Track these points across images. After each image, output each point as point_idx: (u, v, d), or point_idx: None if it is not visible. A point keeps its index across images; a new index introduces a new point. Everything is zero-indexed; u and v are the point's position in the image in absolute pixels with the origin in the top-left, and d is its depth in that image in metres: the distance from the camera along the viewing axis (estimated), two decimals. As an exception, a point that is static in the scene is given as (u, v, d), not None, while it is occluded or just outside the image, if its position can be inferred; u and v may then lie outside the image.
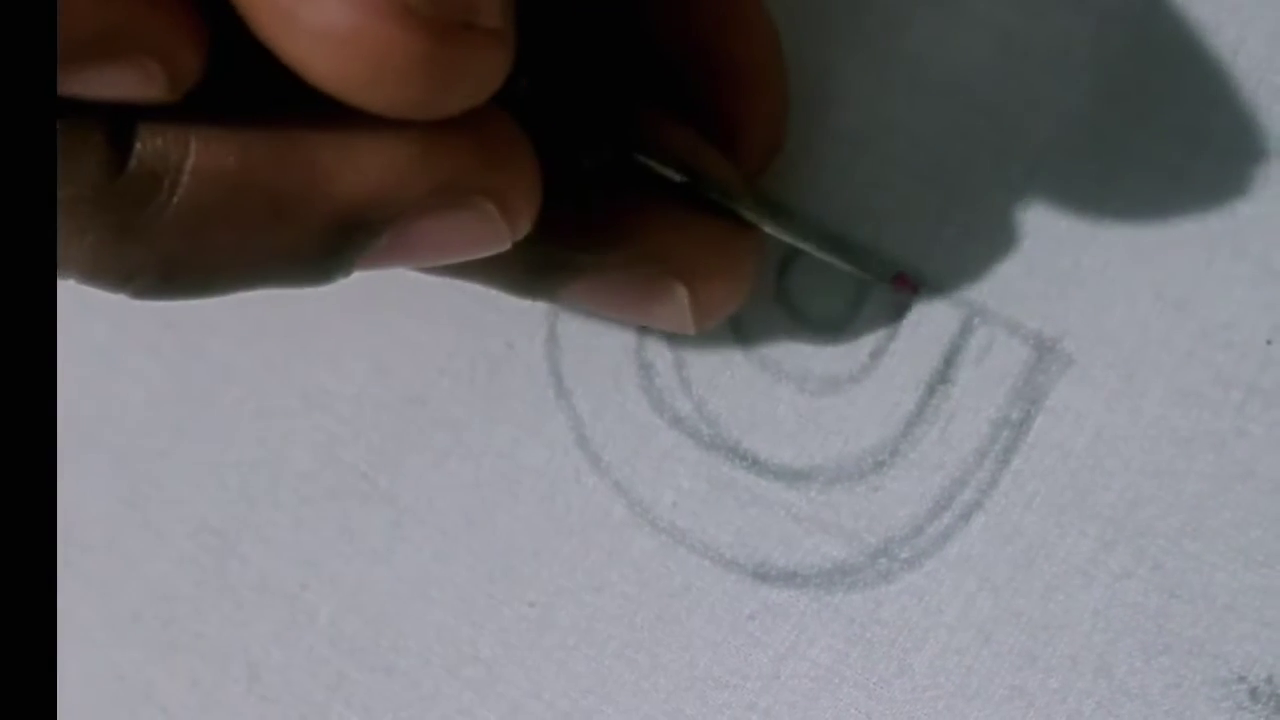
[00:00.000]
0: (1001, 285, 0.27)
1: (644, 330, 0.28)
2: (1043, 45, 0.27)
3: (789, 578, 0.27)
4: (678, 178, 0.25)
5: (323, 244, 0.22)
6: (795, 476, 0.27)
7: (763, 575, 0.27)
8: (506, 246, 0.23)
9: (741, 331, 0.28)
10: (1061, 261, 0.26)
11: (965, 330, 0.27)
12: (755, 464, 0.27)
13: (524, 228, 0.23)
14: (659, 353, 0.28)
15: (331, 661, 0.29)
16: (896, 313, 0.27)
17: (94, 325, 0.33)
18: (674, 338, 0.28)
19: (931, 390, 0.27)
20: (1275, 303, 0.25)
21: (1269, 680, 0.24)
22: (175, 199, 0.20)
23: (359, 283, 0.31)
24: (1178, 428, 0.25)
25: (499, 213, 0.22)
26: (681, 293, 0.26)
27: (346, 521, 0.29)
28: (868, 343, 0.27)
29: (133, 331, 0.32)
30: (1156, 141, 0.26)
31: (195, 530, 0.30)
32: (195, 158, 0.20)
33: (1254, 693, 0.24)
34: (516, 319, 0.29)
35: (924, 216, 0.27)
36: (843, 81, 0.28)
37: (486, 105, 0.21)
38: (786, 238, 0.26)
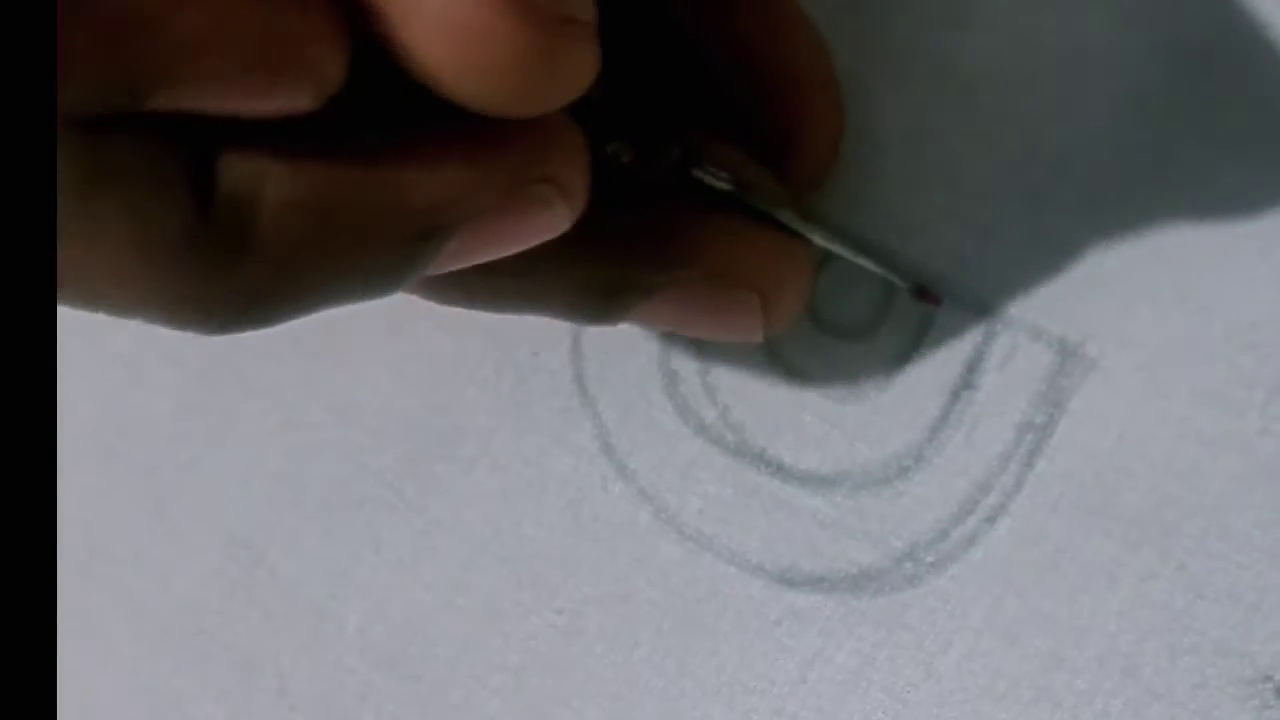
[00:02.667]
0: (1024, 290, 0.27)
1: (669, 338, 0.29)
2: (1067, 51, 0.27)
3: (815, 583, 0.27)
4: (728, 187, 0.25)
5: (402, 255, 0.21)
6: (821, 482, 0.27)
7: (789, 581, 0.27)
8: (566, 228, 0.23)
9: (767, 339, 0.28)
10: (1084, 266, 0.27)
11: (989, 336, 0.27)
12: (781, 470, 0.28)
13: (580, 207, 0.23)
14: (684, 361, 0.29)
15: (360, 671, 0.29)
16: (921, 320, 0.27)
17: (119, 336, 0.33)
18: (700, 346, 0.28)
19: (956, 396, 0.27)
20: (1297, 304, 0.25)
21: (1296, 679, 0.24)
22: (260, 232, 0.20)
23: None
24: (1201, 429, 0.25)
25: (560, 197, 0.23)
26: (756, 303, 0.26)
27: (374, 531, 0.30)
28: (892, 349, 0.27)
29: (158, 343, 0.33)
30: (1179, 145, 0.26)
31: (223, 541, 0.31)
32: (278, 188, 0.20)
33: (1281, 692, 0.24)
34: (541, 328, 0.29)
35: (948, 222, 0.27)
36: (867, 90, 0.28)
37: None
38: (828, 245, 0.27)
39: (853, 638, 0.26)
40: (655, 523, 0.28)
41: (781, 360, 0.28)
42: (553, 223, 0.23)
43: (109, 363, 0.33)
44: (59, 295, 0.20)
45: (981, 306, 0.27)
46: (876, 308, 0.28)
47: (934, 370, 0.27)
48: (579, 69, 0.20)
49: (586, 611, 0.28)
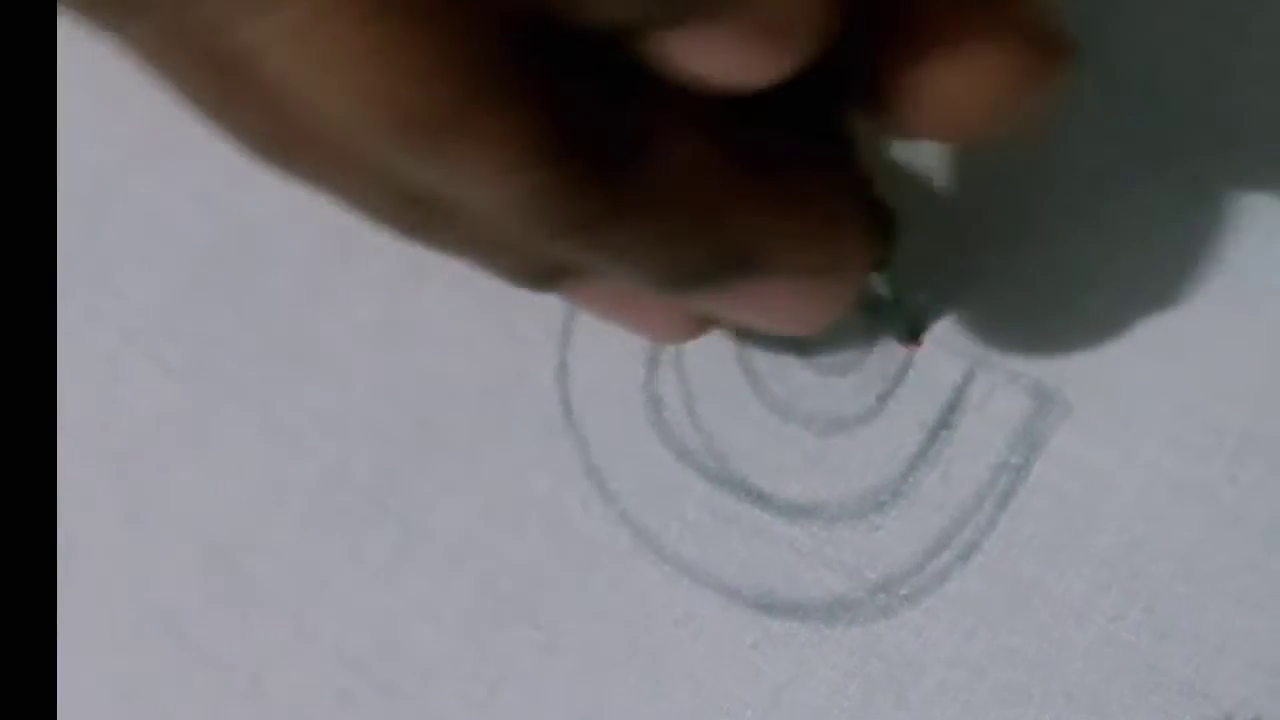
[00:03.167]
0: (1003, 335, 0.28)
1: (654, 362, 0.29)
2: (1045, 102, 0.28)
3: (791, 610, 0.28)
4: None
5: (702, 273, 0.22)
6: (799, 512, 0.28)
7: (766, 606, 0.28)
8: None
9: (751, 371, 0.29)
10: (1061, 313, 0.27)
11: (967, 378, 0.28)
12: (761, 499, 0.28)
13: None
14: (669, 387, 0.29)
15: (336, 679, 0.29)
16: (902, 360, 0.28)
17: (101, 337, 0.33)
18: (684, 371, 0.29)
19: (934, 434, 0.28)
20: (1270, 353, 0.26)
21: (1255, 721, 0.25)
22: (650, 167, 0.20)
23: (371, 307, 0.31)
24: (1172, 475, 0.26)
25: (833, 303, 0.24)
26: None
27: (353, 541, 0.30)
28: (874, 386, 0.28)
29: (140, 344, 0.33)
30: (1156, 195, 0.27)
31: (201, 545, 0.31)
32: (680, 133, 0.20)
33: (1241, 733, 0.25)
34: (528, 347, 0.30)
35: (930, 267, 0.28)
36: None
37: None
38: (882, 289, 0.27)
39: (826, 665, 0.27)
40: (635, 545, 0.29)
41: (765, 391, 0.29)
42: (811, 319, 0.25)
43: (91, 362, 0.33)
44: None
45: (961, 349, 0.28)
46: (860, 345, 0.29)
47: (913, 408, 0.28)
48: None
49: (564, 629, 0.28)
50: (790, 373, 0.29)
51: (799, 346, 0.29)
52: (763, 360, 0.29)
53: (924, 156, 0.29)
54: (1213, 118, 0.27)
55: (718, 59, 0.19)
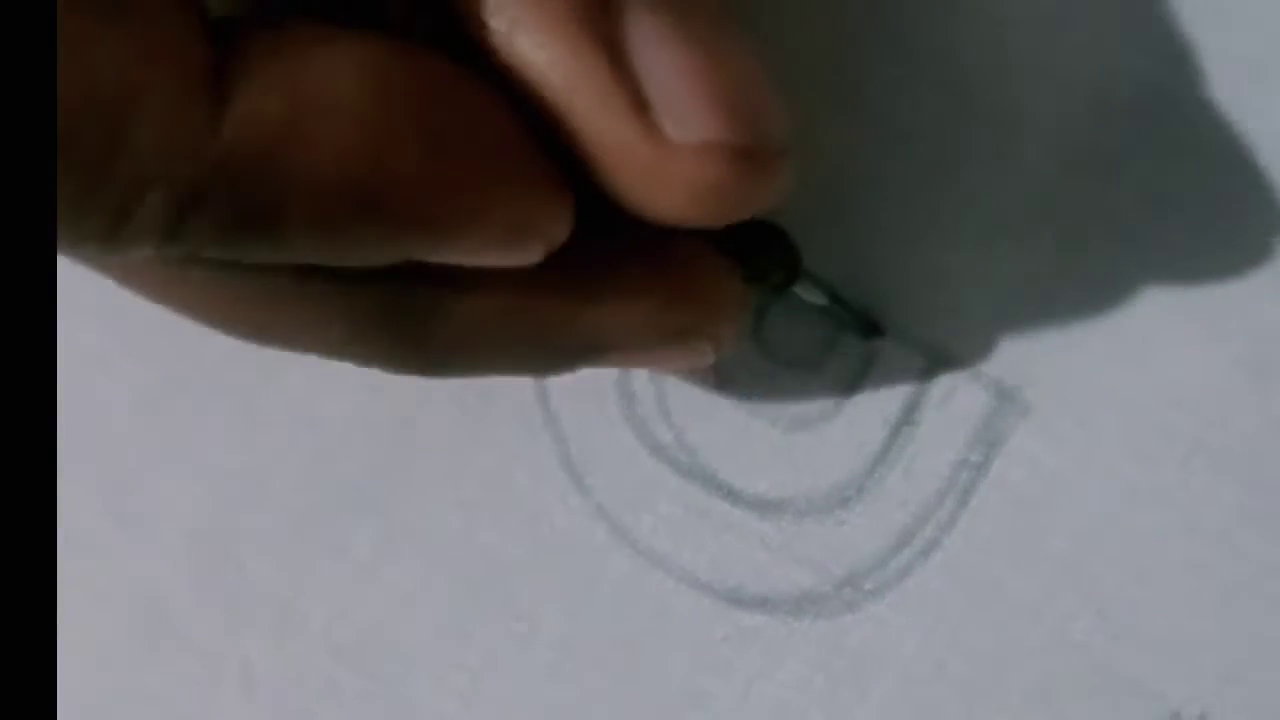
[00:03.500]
0: (965, 334, 0.28)
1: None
2: (1007, 105, 0.29)
3: (760, 603, 0.29)
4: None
5: (563, 365, 0.25)
6: (768, 507, 0.29)
7: (736, 600, 0.29)
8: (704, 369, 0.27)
9: (720, 369, 0.29)
10: (1023, 313, 0.28)
11: (929, 375, 0.28)
12: (731, 494, 0.29)
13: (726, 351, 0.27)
14: (642, 383, 0.30)
15: (324, 668, 0.30)
16: (865, 356, 0.29)
17: (85, 330, 0.34)
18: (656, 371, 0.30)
19: (896, 431, 0.28)
20: (1223, 363, 0.27)
21: (1202, 717, 0.26)
22: (446, 332, 0.23)
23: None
24: (1126, 478, 0.27)
25: (713, 350, 0.26)
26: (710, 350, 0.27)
27: (338, 533, 0.31)
28: (838, 384, 0.29)
29: (125, 337, 0.33)
30: (1120, 202, 0.28)
31: (188, 537, 0.32)
32: (472, 303, 0.23)
33: (1186, 729, 0.26)
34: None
35: (892, 265, 0.29)
36: (816, 132, 0.29)
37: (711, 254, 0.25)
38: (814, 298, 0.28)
39: (794, 658, 0.28)
40: (610, 539, 0.30)
41: (733, 387, 0.29)
42: (696, 364, 0.27)
43: (75, 356, 0.33)
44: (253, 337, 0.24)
45: (923, 346, 0.29)
46: (823, 340, 0.29)
47: (877, 405, 0.29)
48: (778, 190, 0.23)
49: (541, 621, 0.30)
50: (756, 370, 0.29)
51: (762, 341, 0.29)
52: (730, 358, 0.29)
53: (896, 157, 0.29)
54: (1170, 122, 0.28)
55: (475, 260, 0.22)
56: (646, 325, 0.25)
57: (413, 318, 0.23)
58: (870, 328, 0.29)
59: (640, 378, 0.30)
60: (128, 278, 0.23)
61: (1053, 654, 0.27)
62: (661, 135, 0.21)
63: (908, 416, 0.28)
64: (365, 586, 0.31)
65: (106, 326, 0.34)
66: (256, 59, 0.19)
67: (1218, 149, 0.27)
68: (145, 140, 0.18)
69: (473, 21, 0.21)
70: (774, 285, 0.27)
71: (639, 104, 0.21)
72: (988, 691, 0.27)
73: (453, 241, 0.21)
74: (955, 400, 0.28)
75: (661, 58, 0.21)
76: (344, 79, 0.20)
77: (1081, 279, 0.28)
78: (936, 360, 0.28)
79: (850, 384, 0.29)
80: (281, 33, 0.20)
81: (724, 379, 0.30)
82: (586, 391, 0.30)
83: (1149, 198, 0.28)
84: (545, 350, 0.25)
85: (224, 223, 0.19)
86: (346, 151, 0.19)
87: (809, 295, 0.28)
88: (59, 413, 0.32)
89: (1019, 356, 0.28)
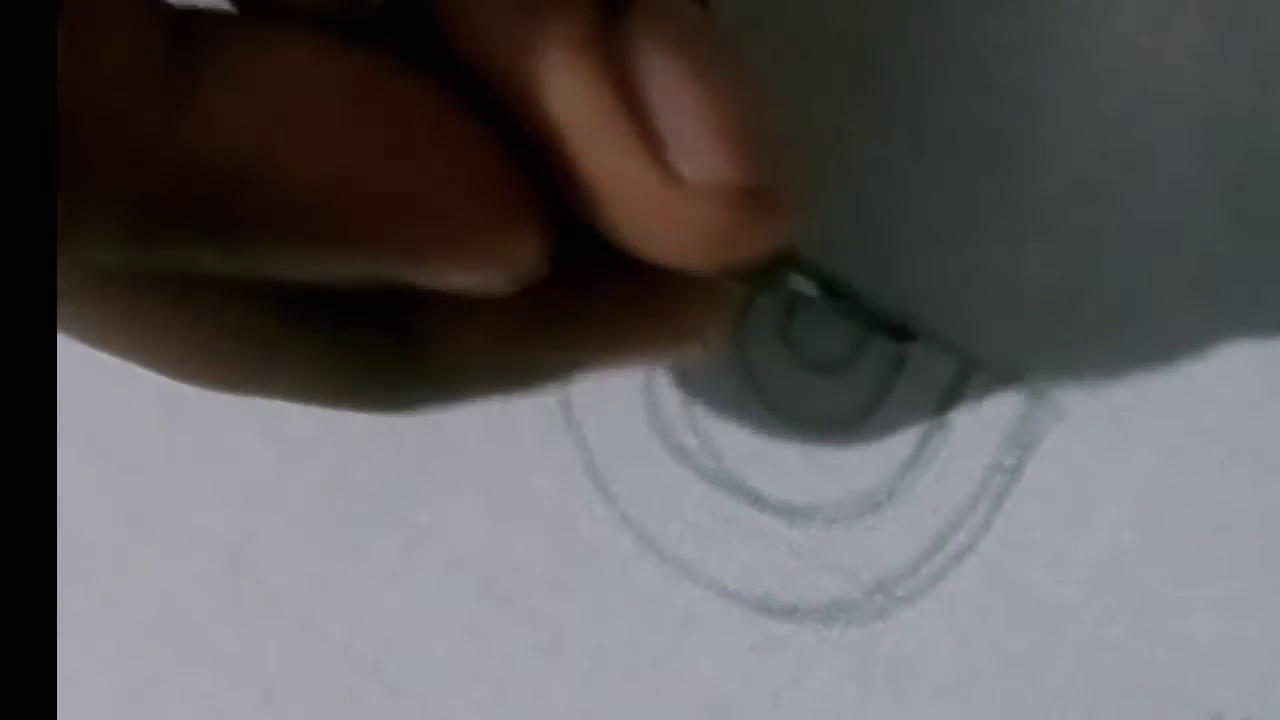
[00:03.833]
0: (997, 336, 0.28)
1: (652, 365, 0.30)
2: (1043, 100, 0.28)
3: (790, 611, 0.28)
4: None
5: (553, 385, 0.25)
6: (796, 514, 0.28)
7: (764, 608, 0.28)
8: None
9: (748, 371, 0.29)
10: (1056, 315, 0.28)
11: (961, 378, 0.28)
12: (759, 500, 0.29)
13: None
14: (666, 388, 0.30)
15: (344, 679, 0.30)
16: (896, 360, 0.28)
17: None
18: (682, 376, 0.29)
19: (928, 435, 0.28)
20: (1261, 361, 0.26)
21: (1243, 722, 0.25)
22: (441, 370, 0.23)
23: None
24: (1163, 480, 0.27)
25: (699, 347, 0.25)
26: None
27: (359, 543, 0.31)
28: (868, 387, 0.29)
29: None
30: (1153, 199, 0.27)
31: (208, 547, 0.31)
32: (469, 335, 0.23)
33: (1229, 734, 0.25)
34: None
35: (924, 266, 0.28)
36: (845, 131, 0.29)
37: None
38: (809, 293, 0.27)
39: (824, 667, 0.28)
40: (636, 547, 0.29)
41: (761, 393, 0.29)
42: (680, 362, 0.27)
43: (95, 366, 0.33)
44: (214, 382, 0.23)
45: (955, 349, 0.28)
46: (853, 344, 0.29)
47: (908, 409, 0.28)
48: (778, 234, 0.22)
49: (567, 630, 0.29)
50: (785, 373, 0.29)
51: (793, 345, 0.29)
52: (758, 360, 0.29)
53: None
54: (1206, 120, 0.27)
55: (446, 284, 0.21)
56: (639, 340, 0.25)
57: (399, 354, 0.23)
58: (901, 331, 0.28)
59: (665, 383, 0.30)
60: (86, 327, 0.22)
61: (1091, 658, 0.26)
62: (677, 175, 0.20)
63: (939, 420, 0.28)
64: (387, 597, 0.30)
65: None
66: (229, 59, 0.19)
67: (1251, 145, 0.27)
68: (106, 140, 0.18)
69: (467, 43, 0.20)
70: (764, 280, 0.27)
71: (653, 143, 0.20)
72: (1024, 698, 0.26)
73: (425, 264, 0.20)
74: (987, 403, 0.28)
75: (674, 93, 0.20)
76: (321, 89, 0.19)
77: (1114, 279, 0.28)
78: (968, 363, 0.28)
79: (881, 388, 0.28)
80: (256, 33, 0.19)
81: (753, 383, 0.29)
82: (610, 398, 0.30)
83: (1182, 195, 0.27)
84: (542, 381, 0.25)
85: (191, 229, 0.18)
86: (320, 164, 0.19)
87: (837, 299, 0.28)
88: (81, 424, 0.32)
89: (1052, 358, 0.28)
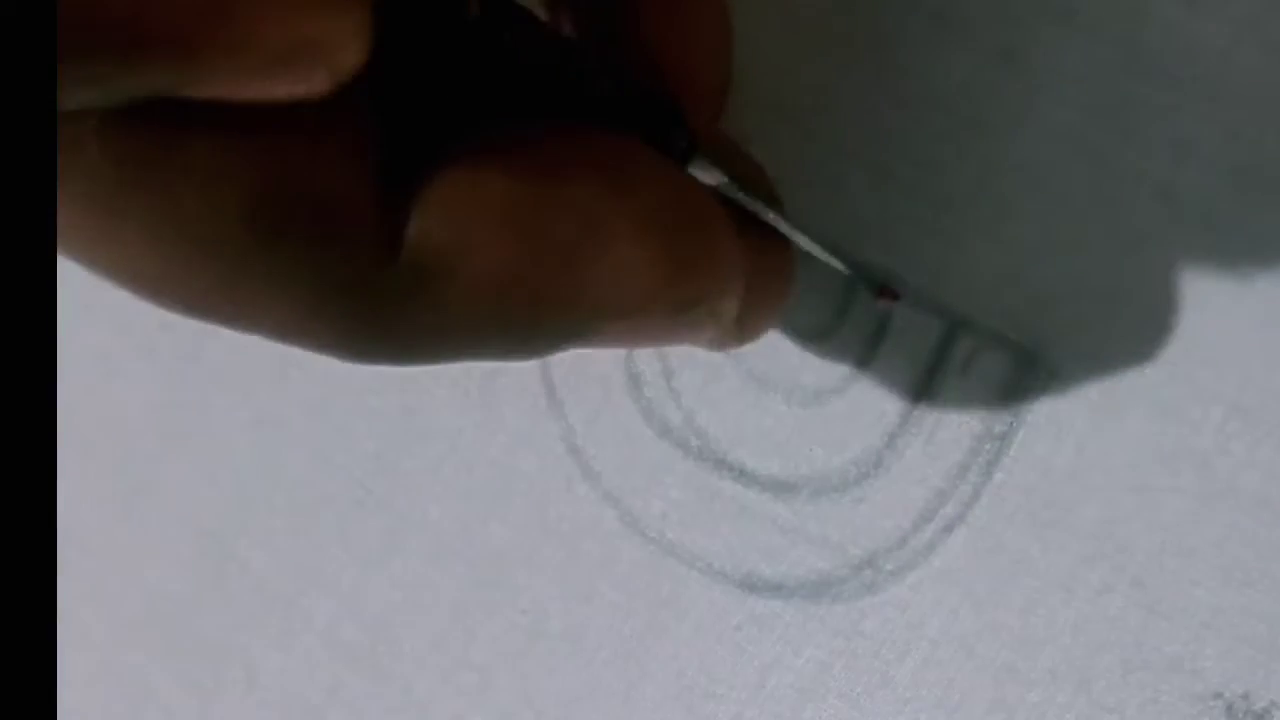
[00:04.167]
0: (985, 297, 0.27)
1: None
2: (1034, 59, 0.27)
3: (775, 589, 0.27)
4: (723, 180, 0.24)
5: (561, 338, 0.21)
6: (781, 488, 0.27)
7: (750, 586, 0.27)
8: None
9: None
10: (1045, 275, 0.27)
11: (948, 342, 0.27)
12: (743, 475, 0.28)
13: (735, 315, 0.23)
14: (648, 363, 0.29)
15: (328, 665, 0.29)
16: (880, 324, 0.27)
17: (92, 329, 0.33)
18: (663, 350, 0.28)
19: (915, 401, 0.27)
20: (1258, 320, 0.25)
21: (1245, 697, 0.24)
22: (442, 302, 0.19)
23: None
24: (1159, 444, 0.25)
25: (716, 323, 0.23)
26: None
27: (342, 528, 0.30)
28: (852, 354, 0.27)
29: (131, 336, 0.33)
30: (1143, 156, 0.26)
31: (193, 534, 0.31)
32: (473, 259, 0.19)
33: (1230, 709, 0.24)
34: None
35: (909, 227, 0.27)
36: (833, 93, 0.28)
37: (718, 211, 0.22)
38: (810, 248, 0.26)
39: (811, 644, 0.27)
40: (620, 525, 0.28)
41: (743, 364, 0.28)
42: (696, 342, 0.23)
43: (82, 355, 0.33)
44: (207, 311, 0.20)
45: (941, 312, 0.27)
46: (835, 308, 0.28)
47: (894, 375, 0.27)
48: None
49: (550, 612, 0.28)
50: (767, 342, 0.28)
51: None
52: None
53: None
54: (1207, 77, 0.26)
55: (245, 91, 0.18)
56: (647, 297, 0.22)
57: (391, 293, 0.19)
58: (882, 286, 0.27)
59: (647, 359, 0.29)
60: (73, 239, 0.20)
61: (1086, 631, 0.25)
62: None
63: (926, 387, 0.27)
64: (370, 582, 0.29)
65: (114, 327, 0.33)
66: None
67: (1250, 106, 0.26)
68: None
69: None
70: (677, 156, 0.24)
71: None
72: (1018, 673, 0.25)
73: (219, 63, 0.17)
74: (975, 368, 0.27)
75: None
76: None
77: (1105, 238, 0.26)
78: (955, 325, 0.27)
79: (865, 353, 0.27)
80: None
81: (734, 353, 0.28)
82: (592, 375, 0.29)
83: (1178, 155, 0.26)
84: (537, 329, 0.21)
85: None
86: None
87: (832, 260, 0.27)
88: (67, 412, 0.32)
89: (1042, 320, 0.26)
